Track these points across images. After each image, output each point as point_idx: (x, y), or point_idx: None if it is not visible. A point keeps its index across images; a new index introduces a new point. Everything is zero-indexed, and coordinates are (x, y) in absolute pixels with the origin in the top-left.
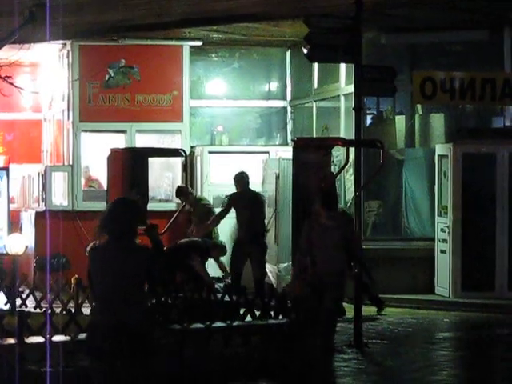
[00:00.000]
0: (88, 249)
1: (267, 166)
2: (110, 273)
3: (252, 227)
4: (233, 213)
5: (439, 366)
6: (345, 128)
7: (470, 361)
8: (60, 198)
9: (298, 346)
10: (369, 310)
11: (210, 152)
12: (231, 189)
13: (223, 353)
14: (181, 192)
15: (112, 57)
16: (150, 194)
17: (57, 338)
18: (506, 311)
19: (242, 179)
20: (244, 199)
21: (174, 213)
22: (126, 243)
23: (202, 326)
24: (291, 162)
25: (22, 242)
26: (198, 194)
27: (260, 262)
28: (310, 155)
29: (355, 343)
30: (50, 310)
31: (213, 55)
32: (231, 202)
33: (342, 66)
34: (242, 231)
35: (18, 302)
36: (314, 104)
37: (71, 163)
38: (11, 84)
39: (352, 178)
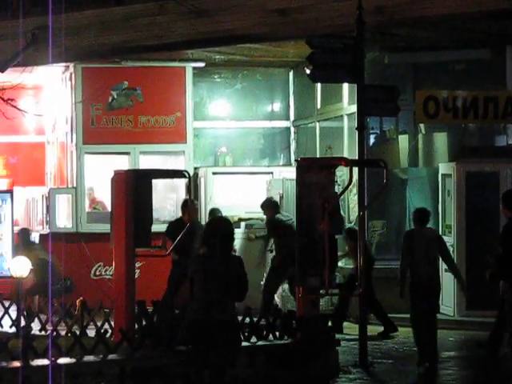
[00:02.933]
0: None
1: (271, 186)
2: (213, 278)
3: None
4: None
5: None
6: (348, 148)
7: (476, 380)
8: (64, 221)
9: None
10: (374, 329)
11: (214, 173)
12: (234, 209)
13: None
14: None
15: (115, 79)
16: (155, 215)
17: (62, 360)
18: None
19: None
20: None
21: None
22: (224, 253)
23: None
24: (295, 182)
25: (26, 265)
26: (203, 214)
27: None
28: (314, 175)
29: (360, 363)
30: (54, 333)
31: (216, 76)
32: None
33: (345, 85)
34: (280, 256)
35: (23, 324)
36: (318, 124)
37: (75, 185)
38: (14, 107)
39: (356, 197)
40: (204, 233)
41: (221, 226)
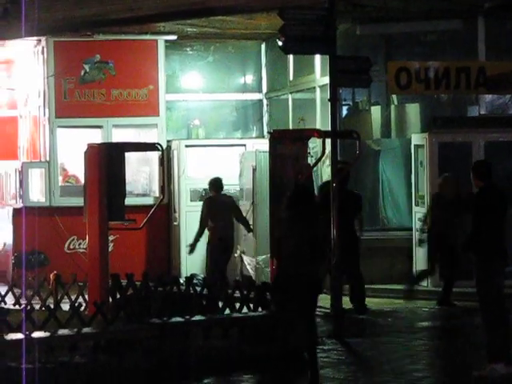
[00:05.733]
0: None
1: (244, 158)
2: (300, 238)
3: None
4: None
5: (418, 355)
6: (321, 119)
7: (449, 350)
8: (37, 195)
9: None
10: (347, 300)
11: (187, 146)
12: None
13: (202, 346)
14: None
15: (87, 52)
16: (128, 188)
17: (36, 334)
18: None
19: None
20: None
21: (151, 207)
22: (310, 216)
23: (181, 319)
24: (268, 154)
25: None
26: (176, 187)
27: None
28: (287, 147)
29: (335, 334)
30: (28, 307)
31: (188, 49)
32: None
33: (317, 57)
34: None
35: None
36: (290, 96)
37: (48, 159)
38: None
39: (329, 169)
40: (289, 198)
41: (306, 191)
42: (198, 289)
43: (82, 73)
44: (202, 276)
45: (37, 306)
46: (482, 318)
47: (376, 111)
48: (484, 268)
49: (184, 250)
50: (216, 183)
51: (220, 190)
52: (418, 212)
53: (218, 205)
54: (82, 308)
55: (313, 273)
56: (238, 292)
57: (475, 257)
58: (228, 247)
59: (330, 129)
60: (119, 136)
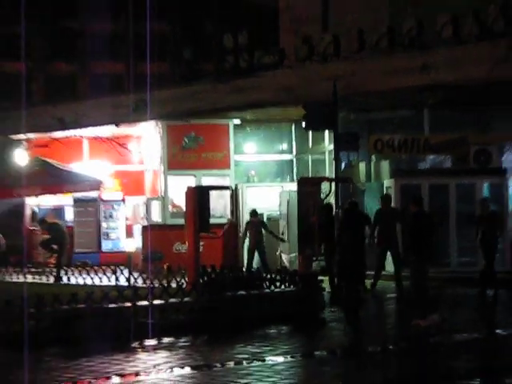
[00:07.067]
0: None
1: (282, 195)
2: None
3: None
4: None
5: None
6: (328, 171)
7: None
8: (156, 217)
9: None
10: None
11: (247, 187)
12: (259, 209)
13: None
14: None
15: (186, 131)
16: (211, 213)
17: (156, 301)
18: None
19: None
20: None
21: (225, 224)
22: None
23: (243, 293)
24: (296, 192)
25: (134, 244)
26: (240, 212)
27: None
28: (308, 188)
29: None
30: (151, 285)
31: (247, 128)
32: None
33: (326, 132)
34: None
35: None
36: (310, 157)
37: (163, 196)
38: (125, 148)
39: (333, 201)
40: (344, 213)
41: (352, 212)
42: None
43: (183, 143)
44: (256, 267)
45: (156, 285)
46: (414, 293)
47: (362, 165)
48: (418, 263)
49: (245, 250)
50: (253, 212)
51: (256, 216)
52: None
53: (253, 224)
54: (184, 286)
55: (358, 261)
56: (278, 276)
57: (413, 257)
58: (262, 249)
59: (334, 176)
60: (206, 181)
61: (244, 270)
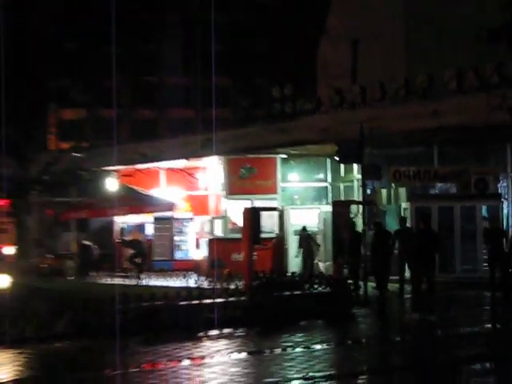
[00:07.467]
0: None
1: (320, 215)
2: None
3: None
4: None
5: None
6: (357, 196)
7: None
8: (219, 232)
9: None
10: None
11: (292, 208)
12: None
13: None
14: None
15: (243, 163)
16: (262, 229)
17: (218, 300)
18: None
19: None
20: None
21: (274, 238)
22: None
23: (288, 293)
24: (331, 213)
25: (201, 254)
26: (286, 228)
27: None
28: (340, 209)
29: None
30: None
31: (291, 161)
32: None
33: (355, 165)
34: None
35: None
36: (342, 184)
37: (224, 215)
38: (194, 177)
39: (361, 220)
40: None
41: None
42: (297, 278)
43: (240, 173)
44: (299, 272)
45: (218, 287)
46: (413, 290)
47: (384, 191)
48: (417, 268)
49: (291, 258)
50: (303, 228)
51: (305, 231)
52: None
53: (303, 238)
54: (240, 288)
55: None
56: (316, 280)
57: (415, 263)
58: (312, 257)
59: (361, 200)
60: (258, 203)
61: (297, 273)
